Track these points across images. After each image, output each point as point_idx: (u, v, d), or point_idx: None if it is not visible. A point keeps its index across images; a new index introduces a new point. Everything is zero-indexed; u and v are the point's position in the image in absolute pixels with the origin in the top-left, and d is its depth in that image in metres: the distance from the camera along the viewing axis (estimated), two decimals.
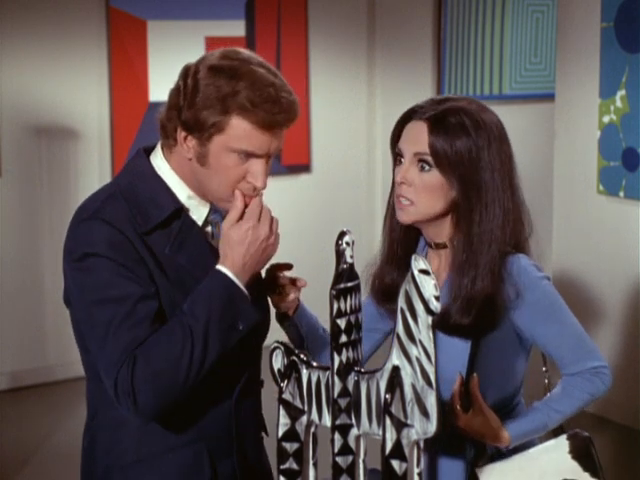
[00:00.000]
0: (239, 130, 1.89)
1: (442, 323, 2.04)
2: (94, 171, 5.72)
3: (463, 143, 2.05)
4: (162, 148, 2.02)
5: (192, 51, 5.78)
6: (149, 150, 2.05)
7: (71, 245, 1.93)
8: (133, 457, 1.99)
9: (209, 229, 2.04)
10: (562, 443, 2.13)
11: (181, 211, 1.99)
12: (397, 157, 2.13)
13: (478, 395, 2.01)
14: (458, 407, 2.00)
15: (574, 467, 2.12)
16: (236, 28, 6.04)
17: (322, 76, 6.41)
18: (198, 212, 2.02)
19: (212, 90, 1.88)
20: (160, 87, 5.71)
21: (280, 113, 1.89)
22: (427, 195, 2.08)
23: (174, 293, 1.93)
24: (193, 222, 2.01)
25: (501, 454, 2.10)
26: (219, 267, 1.92)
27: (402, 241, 2.20)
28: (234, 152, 1.90)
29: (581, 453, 2.12)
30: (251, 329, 1.95)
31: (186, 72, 1.94)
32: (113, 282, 1.87)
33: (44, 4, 5.52)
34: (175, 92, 1.94)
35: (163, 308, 1.91)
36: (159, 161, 2.01)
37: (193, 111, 1.89)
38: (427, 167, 2.07)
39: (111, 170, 5.73)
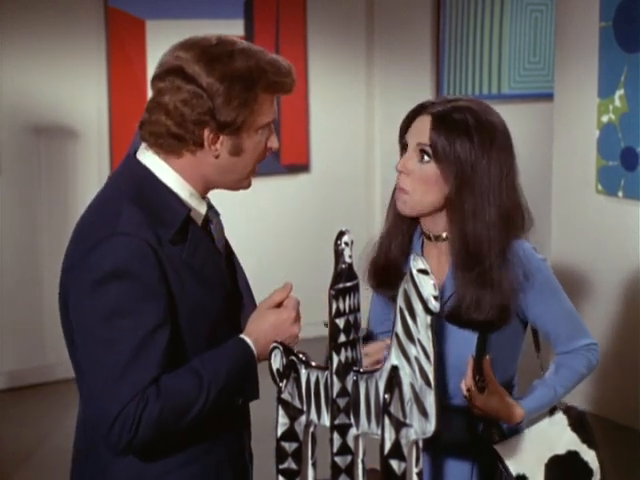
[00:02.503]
0: (265, 106, 1.93)
1: (454, 317, 2.13)
2: (93, 171, 5.72)
3: (463, 145, 2.10)
4: (156, 152, 1.94)
5: None
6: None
7: (89, 264, 1.84)
8: (161, 470, 1.94)
9: (209, 227, 2.02)
10: (560, 417, 2.24)
11: (189, 213, 1.95)
12: (404, 149, 2.19)
13: (492, 376, 2.10)
14: (473, 388, 2.09)
15: (575, 439, 2.23)
16: (235, 28, 6.03)
17: (321, 76, 6.40)
18: (198, 208, 1.98)
19: (236, 83, 1.88)
20: None
21: (289, 75, 1.97)
22: (422, 186, 2.14)
23: (190, 299, 1.90)
24: (197, 223, 1.97)
25: (504, 433, 2.19)
26: (246, 339, 1.94)
27: (399, 230, 2.25)
28: (261, 128, 1.94)
29: (577, 425, 2.24)
30: None
31: (186, 77, 1.87)
32: (131, 307, 1.82)
33: (43, 4, 5.52)
34: (193, 98, 1.87)
35: (179, 322, 1.89)
36: (153, 162, 1.94)
37: (228, 111, 1.88)
38: (426, 158, 2.13)
39: (110, 170, 5.72)
